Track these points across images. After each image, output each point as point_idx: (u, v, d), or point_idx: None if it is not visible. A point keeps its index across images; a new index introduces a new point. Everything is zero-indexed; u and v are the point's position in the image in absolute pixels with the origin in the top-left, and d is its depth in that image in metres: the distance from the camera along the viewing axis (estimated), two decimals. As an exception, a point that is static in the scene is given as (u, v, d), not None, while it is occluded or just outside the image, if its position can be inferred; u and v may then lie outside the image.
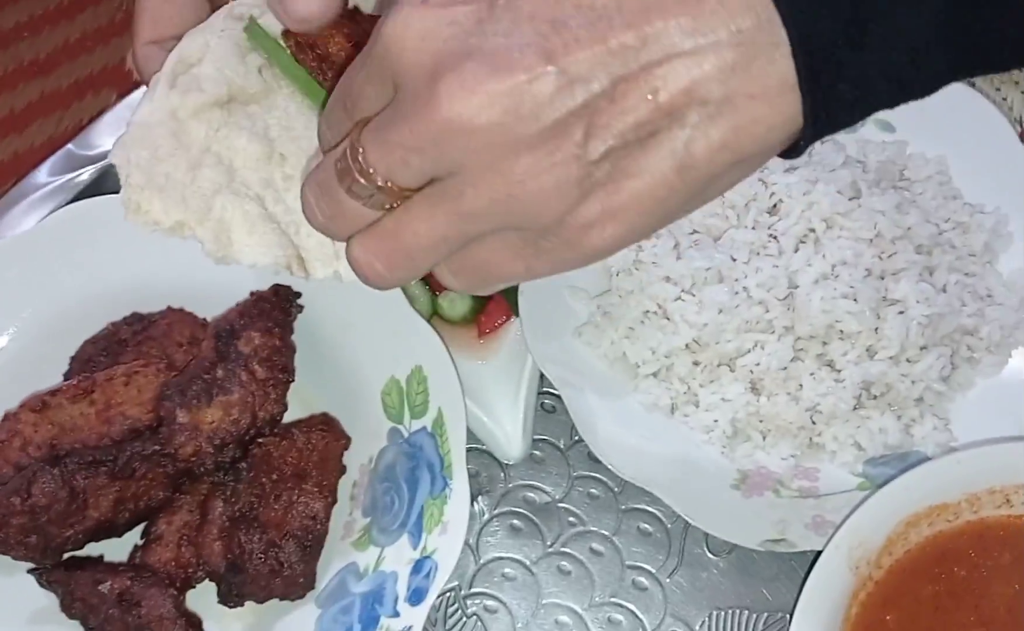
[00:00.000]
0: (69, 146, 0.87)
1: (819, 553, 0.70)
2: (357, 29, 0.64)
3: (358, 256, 0.54)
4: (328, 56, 0.64)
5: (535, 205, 0.49)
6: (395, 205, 0.52)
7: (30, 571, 0.76)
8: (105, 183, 0.87)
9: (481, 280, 0.54)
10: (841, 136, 0.89)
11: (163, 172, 0.64)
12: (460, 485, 0.74)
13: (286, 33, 0.65)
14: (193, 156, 0.65)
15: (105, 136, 0.88)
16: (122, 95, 0.92)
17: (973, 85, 0.91)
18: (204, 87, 0.65)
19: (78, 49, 1.03)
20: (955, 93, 0.88)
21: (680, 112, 0.47)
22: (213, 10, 0.68)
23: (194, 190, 0.65)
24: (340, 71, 0.61)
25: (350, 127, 0.53)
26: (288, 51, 0.66)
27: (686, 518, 0.75)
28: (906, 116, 0.88)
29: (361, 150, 0.50)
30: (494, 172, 0.48)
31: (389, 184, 0.51)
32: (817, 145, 0.87)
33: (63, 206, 0.84)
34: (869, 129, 0.90)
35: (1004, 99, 0.97)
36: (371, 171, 0.51)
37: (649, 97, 0.46)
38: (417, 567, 0.73)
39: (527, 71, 0.46)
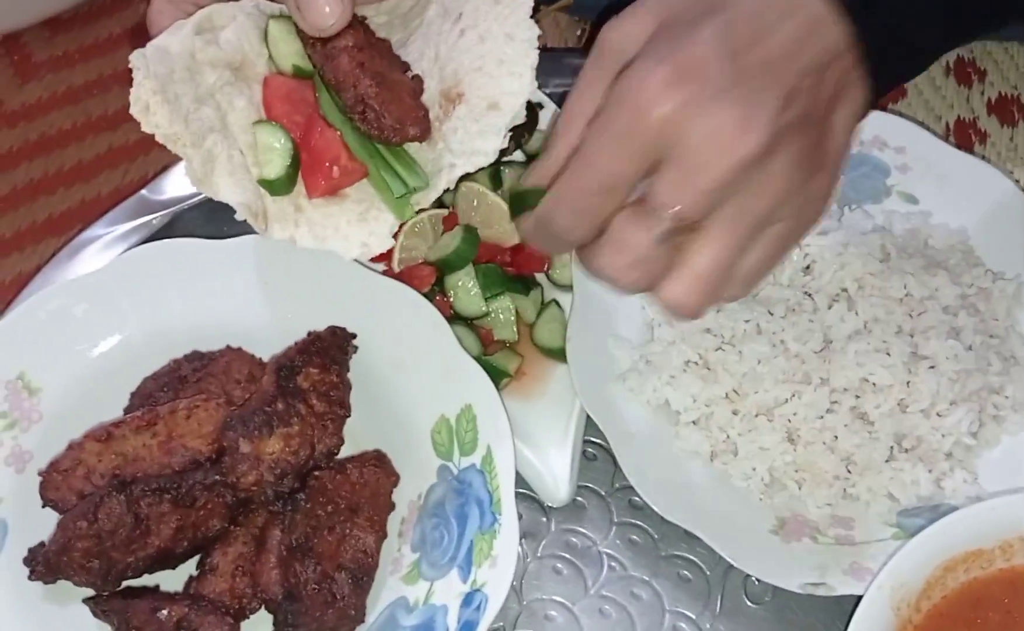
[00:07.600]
0: (143, 192, 0.91)
1: (860, 597, 0.72)
2: (358, 34, 0.73)
3: (686, 298, 0.65)
4: (332, 55, 0.73)
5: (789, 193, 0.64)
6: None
7: (86, 600, 0.77)
8: (173, 228, 0.91)
9: (763, 274, 0.67)
10: (869, 206, 0.94)
11: (175, 91, 0.70)
12: (509, 520, 0.76)
13: (300, 30, 0.73)
14: (200, 93, 0.71)
15: (177, 185, 0.93)
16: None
17: (989, 161, 0.96)
18: (223, 47, 0.73)
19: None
20: (973, 170, 0.94)
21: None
22: None
23: (195, 117, 0.70)
24: (340, 67, 0.71)
25: (614, 206, 0.65)
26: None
27: (729, 560, 0.77)
28: (929, 191, 0.94)
29: (677, 206, 0.62)
30: (769, 181, 0.62)
31: (686, 222, 0.63)
32: (847, 212, 0.93)
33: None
34: (894, 201, 0.94)
35: (1017, 181, 1.03)
36: (683, 217, 0.63)
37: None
38: (467, 600, 0.75)
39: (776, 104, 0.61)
